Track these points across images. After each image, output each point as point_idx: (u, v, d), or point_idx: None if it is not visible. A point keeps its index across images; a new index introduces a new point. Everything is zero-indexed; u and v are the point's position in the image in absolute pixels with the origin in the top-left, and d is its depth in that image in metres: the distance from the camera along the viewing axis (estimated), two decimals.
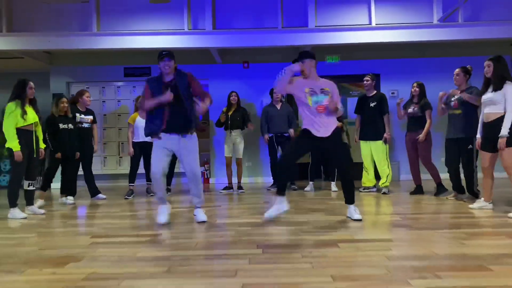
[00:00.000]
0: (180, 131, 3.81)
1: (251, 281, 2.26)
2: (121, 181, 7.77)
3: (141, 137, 6.03)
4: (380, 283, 2.19)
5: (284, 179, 4.02)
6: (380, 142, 5.79)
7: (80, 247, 3.13)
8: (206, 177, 8.05)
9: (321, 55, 7.75)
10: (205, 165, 8.05)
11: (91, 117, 5.89)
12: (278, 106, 6.56)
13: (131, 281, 2.30)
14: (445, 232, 3.35)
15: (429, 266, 2.46)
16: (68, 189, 5.57)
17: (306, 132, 3.89)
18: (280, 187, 3.97)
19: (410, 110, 5.57)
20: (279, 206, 3.93)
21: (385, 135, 5.76)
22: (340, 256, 2.72)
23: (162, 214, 3.92)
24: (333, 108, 3.81)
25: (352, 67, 7.85)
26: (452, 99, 4.96)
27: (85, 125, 5.80)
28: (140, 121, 6.07)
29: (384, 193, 5.73)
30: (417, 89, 5.59)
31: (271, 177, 6.76)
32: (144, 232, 3.61)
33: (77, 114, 5.69)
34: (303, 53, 4.09)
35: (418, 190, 5.66)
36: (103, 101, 7.98)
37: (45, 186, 5.43)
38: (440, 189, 5.42)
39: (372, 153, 5.89)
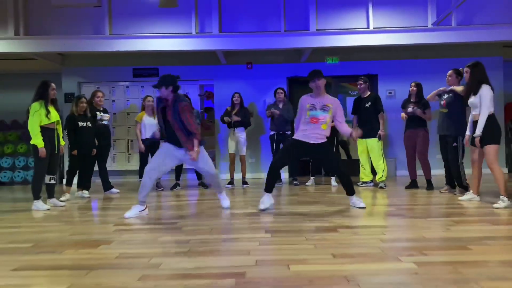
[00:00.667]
0: (179, 146, 4.18)
1: (263, 258, 2.62)
2: (130, 177, 8.12)
3: (148, 134, 6.40)
4: (375, 260, 2.55)
5: (272, 180, 4.42)
6: (375, 139, 6.15)
7: (107, 233, 3.49)
8: None
9: (321, 57, 8.12)
10: None
11: (109, 115, 6.25)
12: (280, 106, 6.91)
13: (159, 258, 2.66)
14: (434, 220, 3.72)
15: (417, 246, 2.83)
16: (84, 184, 5.93)
17: (297, 141, 4.37)
18: (268, 186, 4.40)
19: (409, 109, 5.92)
20: (266, 200, 4.38)
21: (379, 132, 6.12)
22: (339, 239, 3.08)
23: (132, 211, 4.15)
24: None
25: (351, 68, 8.19)
26: (443, 98, 5.32)
27: (105, 122, 6.16)
28: (147, 119, 6.44)
29: (381, 187, 6.10)
30: (414, 88, 5.95)
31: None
32: (161, 222, 3.97)
33: (97, 113, 6.05)
34: (316, 73, 4.43)
35: (413, 184, 6.02)
36: (112, 101, 8.32)
37: (70, 181, 5.78)
38: (429, 185, 5.81)
39: (368, 150, 6.26)
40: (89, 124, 5.79)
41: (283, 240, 3.07)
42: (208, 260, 2.61)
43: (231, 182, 6.84)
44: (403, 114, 6.01)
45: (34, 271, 2.50)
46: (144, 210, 4.22)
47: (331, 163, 4.53)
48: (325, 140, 4.37)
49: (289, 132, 6.80)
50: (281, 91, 6.87)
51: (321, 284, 2.12)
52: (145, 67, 8.29)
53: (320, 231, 3.32)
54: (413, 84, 6.02)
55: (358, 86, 6.30)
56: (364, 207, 4.32)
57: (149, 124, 6.41)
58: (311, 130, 4.29)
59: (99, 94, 6.24)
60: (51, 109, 4.97)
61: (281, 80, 8.19)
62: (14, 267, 2.55)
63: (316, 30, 6.85)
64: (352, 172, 8.19)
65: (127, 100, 8.43)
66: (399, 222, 3.68)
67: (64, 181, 5.83)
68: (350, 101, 8.69)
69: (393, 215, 4.01)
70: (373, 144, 6.18)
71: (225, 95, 7.49)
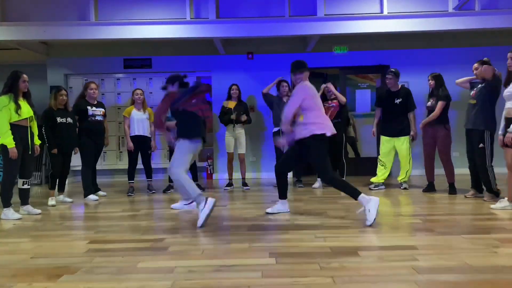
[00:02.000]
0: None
1: None
2: (121, 177, 7.51)
3: (137, 130, 5.77)
4: None
5: (282, 185, 4.18)
6: (404, 139, 5.59)
7: (76, 255, 2.87)
8: (209, 172, 7.78)
9: (328, 46, 7.46)
10: (208, 160, 7.78)
11: (103, 110, 5.61)
12: (285, 100, 6.26)
13: None
14: (473, 238, 3.08)
15: (464, 280, 2.20)
16: (63, 186, 5.31)
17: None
18: (280, 192, 4.19)
19: (428, 104, 5.30)
20: (281, 207, 4.19)
21: (412, 133, 5.56)
22: (362, 267, 2.45)
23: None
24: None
25: (361, 58, 7.55)
26: (475, 88, 4.71)
27: (98, 117, 5.52)
28: (136, 114, 5.80)
29: (404, 188, 5.61)
30: (431, 82, 5.32)
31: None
32: (146, 237, 3.35)
33: (89, 107, 5.42)
34: (298, 65, 4.11)
35: (430, 187, 5.41)
36: (102, 94, 7.68)
37: (53, 185, 5.17)
38: (451, 189, 5.18)
39: (396, 149, 5.67)
40: (69, 120, 5.15)
41: (292, 269, 2.44)
42: None
43: (230, 184, 6.22)
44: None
45: None
46: (190, 203, 4.35)
47: (314, 165, 4.02)
48: (306, 132, 3.84)
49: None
50: (286, 84, 6.23)
51: None
52: (137, 57, 7.65)
53: (337, 255, 2.69)
54: (429, 77, 5.38)
55: (387, 81, 5.65)
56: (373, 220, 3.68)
57: (138, 119, 5.78)
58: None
59: (93, 85, 5.56)
60: (23, 103, 4.34)
61: (285, 72, 7.48)
62: None
63: (325, 15, 6.18)
64: (360, 171, 7.65)
65: (118, 94, 7.79)
66: (431, 240, 3.04)
67: (49, 185, 5.21)
68: (359, 94, 8.06)
69: (421, 229, 3.37)
70: (403, 144, 5.60)
71: (224, 88, 6.82)
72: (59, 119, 5.04)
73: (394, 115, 5.58)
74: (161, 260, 2.69)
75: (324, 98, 5.94)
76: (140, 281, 2.30)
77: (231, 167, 6.25)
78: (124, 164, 7.50)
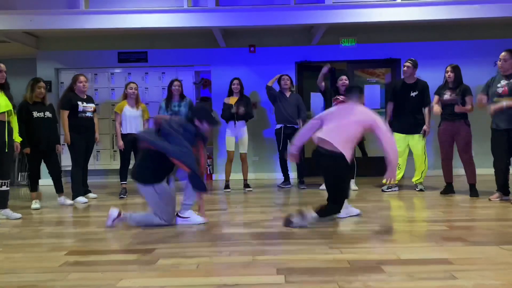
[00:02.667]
0: None
1: None
2: (115, 177, 7.06)
3: (129, 128, 5.32)
4: None
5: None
6: (419, 136, 5.16)
7: (48, 269, 2.44)
8: (208, 173, 7.34)
9: (335, 38, 7.02)
10: (208, 160, 7.34)
11: (93, 105, 5.18)
12: (287, 94, 5.84)
13: None
14: None
15: None
16: (59, 186, 4.87)
17: None
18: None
19: (446, 96, 4.85)
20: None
21: (424, 127, 5.11)
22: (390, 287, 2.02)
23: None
24: None
25: (369, 51, 7.09)
26: (499, 85, 4.25)
27: (88, 114, 5.08)
28: (129, 111, 5.35)
29: (420, 190, 5.18)
30: (451, 74, 4.86)
31: (281, 173, 6.03)
32: (133, 247, 2.91)
33: (79, 103, 4.99)
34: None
35: (449, 189, 4.96)
36: (95, 89, 7.23)
37: (34, 186, 4.73)
38: (473, 192, 4.73)
39: (410, 147, 5.24)
40: (48, 114, 4.70)
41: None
42: None
43: (227, 186, 5.76)
44: (436, 107, 4.92)
45: None
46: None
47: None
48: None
49: (298, 126, 5.70)
50: (287, 77, 5.80)
51: None
52: (132, 50, 7.20)
53: (356, 271, 2.25)
54: (448, 68, 4.92)
55: (405, 69, 5.21)
56: (360, 213, 3.66)
57: (131, 116, 5.33)
58: None
59: (82, 78, 5.11)
60: (0, 96, 3.91)
61: (289, 66, 7.08)
62: None
63: (333, 3, 5.72)
64: (370, 172, 7.19)
65: (112, 89, 7.34)
66: (465, 252, 2.59)
67: (29, 187, 4.77)
68: (368, 89, 7.60)
69: (451, 238, 2.92)
70: (418, 142, 5.18)
71: (224, 83, 6.38)
72: (35, 114, 4.59)
73: (408, 110, 5.15)
74: (147, 277, 2.25)
75: (336, 92, 5.48)
76: None
77: (230, 168, 5.80)
78: (117, 163, 7.04)
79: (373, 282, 2.08)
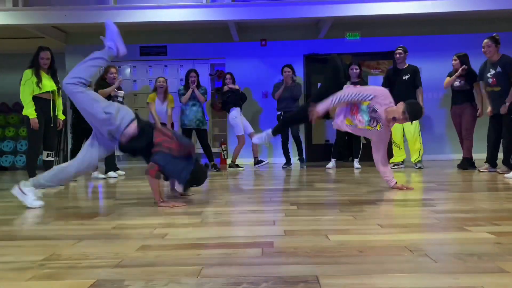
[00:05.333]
0: None
1: (293, 228, 2.11)
2: (137, 162, 7.64)
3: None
4: (435, 229, 2.02)
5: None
6: None
7: (105, 207, 3.01)
8: (223, 158, 7.90)
9: (341, 32, 7.57)
10: (222, 146, 7.91)
11: (123, 92, 5.74)
12: (289, 83, 6.41)
13: (164, 229, 2.16)
14: (486, 194, 3.17)
15: (482, 217, 2.29)
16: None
17: None
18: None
19: (456, 83, 5.38)
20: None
21: None
22: (381, 210, 2.56)
23: None
24: None
25: (373, 44, 7.62)
26: (489, 75, 4.77)
27: (120, 99, 5.66)
28: (158, 105, 5.99)
29: (419, 167, 5.61)
30: (456, 61, 5.41)
31: (283, 156, 6.56)
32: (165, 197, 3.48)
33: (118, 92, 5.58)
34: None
35: (467, 163, 5.34)
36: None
37: None
38: (464, 163, 5.25)
39: (404, 129, 5.72)
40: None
41: (314, 212, 2.55)
42: (225, 230, 2.11)
43: (232, 166, 6.40)
44: (446, 81, 5.47)
45: (8, 241, 2.01)
46: None
47: None
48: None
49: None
50: (288, 69, 6.34)
51: (376, 254, 1.60)
52: (152, 45, 7.81)
53: (355, 204, 2.80)
54: (455, 57, 5.48)
55: (397, 56, 5.73)
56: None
57: (158, 110, 5.95)
58: None
59: (113, 69, 5.65)
60: (45, 77, 4.52)
61: (298, 58, 7.64)
62: None
63: None
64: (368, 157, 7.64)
65: (134, 81, 7.96)
66: (447, 195, 3.13)
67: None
68: (372, 80, 8.12)
69: (437, 189, 3.46)
70: (410, 124, 5.62)
71: (237, 75, 6.95)
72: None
73: (401, 92, 5.58)
74: (188, 208, 2.80)
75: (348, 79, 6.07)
76: (171, 219, 2.42)
77: (239, 151, 6.43)
78: None
79: (367, 208, 2.63)
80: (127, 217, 2.52)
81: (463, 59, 5.39)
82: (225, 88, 6.38)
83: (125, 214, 2.64)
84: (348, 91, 3.30)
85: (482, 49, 4.81)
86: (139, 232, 2.11)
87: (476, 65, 5.31)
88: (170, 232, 2.07)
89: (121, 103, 5.69)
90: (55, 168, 2.96)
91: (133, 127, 2.84)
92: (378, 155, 3.47)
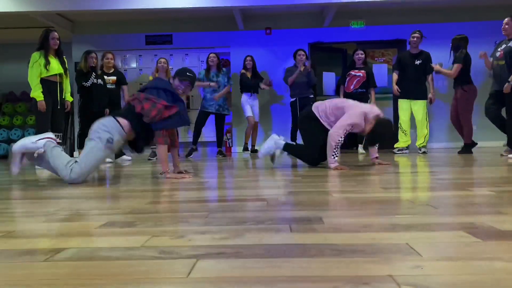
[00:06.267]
0: None
1: (297, 190, 2.15)
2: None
3: None
4: (436, 189, 2.06)
5: None
6: (422, 102, 5.66)
7: (112, 177, 3.06)
8: (228, 146, 7.96)
9: (345, 20, 7.58)
10: (227, 134, 7.96)
11: (114, 78, 5.78)
12: (302, 69, 6.40)
13: (172, 192, 2.22)
14: (487, 167, 3.20)
15: (483, 182, 2.32)
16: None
17: None
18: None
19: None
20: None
21: (429, 95, 5.66)
22: (385, 178, 2.60)
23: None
24: None
25: (377, 33, 7.63)
26: (499, 49, 4.79)
27: (108, 86, 5.72)
28: None
29: (424, 152, 5.61)
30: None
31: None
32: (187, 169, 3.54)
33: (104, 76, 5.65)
34: None
35: (466, 149, 5.36)
36: (124, 70, 7.92)
37: (81, 144, 5.38)
38: (466, 149, 5.26)
39: (413, 113, 5.72)
40: (99, 81, 5.34)
41: (316, 179, 2.60)
42: (231, 191, 2.16)
43: (246, 148, 6.46)
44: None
45: (29, 199, 2.08)
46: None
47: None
48: None
49: (312, 96, 6.32)
50: (303, 53, 6.34)
51: (379, 204, 1.64)
52: (158, 33, 7.87)
53: (358, 175, 2.84)
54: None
55: (414, 39, 5.71)
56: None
57: None
58: None
59: (109, 55, 5.77)
60: (53, 60, 4.59)
61: (302, 47, 7.58)
62: None
63: None
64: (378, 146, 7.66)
65: (140, 70, 8.02)
66: (450, 169, 3.16)
67: (77, 144, 5.40)
68: (376, 68, 8.13)
69: (441, 165, 3.49)
70: (420, 107, 5.66)
71: (242, 64, 7.01)
72: (92, 79, 5.23)
73: (413, 76, 5.64)
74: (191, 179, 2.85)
75: (352, 66, 6.10)
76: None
77: (250, 132, 6.49)
78: None
79: (372, 177, 2.67)
80: (136, 185, 2.58)
81: (454, 41, 5.46)
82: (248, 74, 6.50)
83: (133, 182, 2.70)
84: (336, 137, 3.39)
85: (502, 28, 4.79)
86: (149, 194, 2.16)
87: (471, 53, 5.38)
88: (178, 194, 2.12)
89: (112, 89, 5.63)
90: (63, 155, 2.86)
91: (125, 123, 2.87)
92: None
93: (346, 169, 3.32)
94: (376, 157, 3.77)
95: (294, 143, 3.82)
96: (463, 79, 5.36)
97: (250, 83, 6.45)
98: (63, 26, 7.60)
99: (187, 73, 3.08)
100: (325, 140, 3.49)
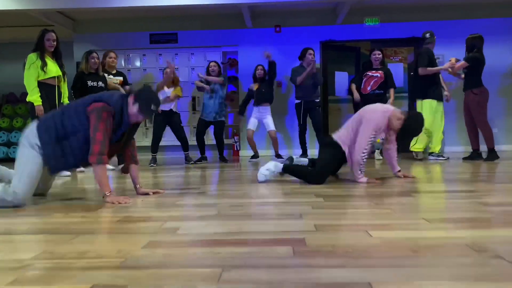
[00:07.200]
0: None
1: (323, 222, 1.81)
2: (147, 154, 7.40)
3: (166, 106, 5.63)
4: (493, 224, 1.71)
5: None
6: (438, 102, 5.28)
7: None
8: (236, 149, 7.63)
9: (359, 17, 7.21)
10: (235, 137, 7.63)
11: (120, 79, 5.48)
12: (314, 70, 6.04)
13: (176, 222, 1.89)
14: None
15: None
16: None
17: None
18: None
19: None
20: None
21: (445, 93, 5.37)
22: (421, 203, 2.25)
23: None
24: None
25: (393, 30, 7.25)
26: None
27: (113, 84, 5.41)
28: (164, 92, 5.70)
29: (443, 158, 5.28)
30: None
31: (300, 148, 6.25)
32: (179, 186, 3.21)
33: (105, 75, 5.32)
34: None
35: (473, 155, 5.10)
36: (128, 70, 7.60)
37: None
38: (491, 156, 4.90)
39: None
40: (101, 84, 5.02)
41: (343, 205, 2.26)
42: (247, 225, 1.82)
43: (254, 156, 6.12)
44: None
45: (3, 235, 1.76)
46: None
47: None
48: None
49: (318, 100, 5.99)
50: (312, 52, 5.98)
51: (434, 254, 1.30)
52: (163, 32, 7.53)
53: (388, 196, 2.49)
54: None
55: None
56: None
57: (164, 92, 5.67)
58: None
59: (112, 54, 5.46)
60: (50, 62, 4.28)
61: (314, 45, 7.21)
62: None
63: None
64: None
65: (144, 69, 7.70)
66: (489, 186, 2.81)
67: None
68: (391, 68, 7.76)
69: (475, 180, 3.14)
70: (439, 108, 5.26)
71: (250, 63, 6.68)
72: (89, 83, 4.92)
73: (439, 78, 5.38)
74: (201, 199, 2.53)
75: (369, 66, 5.78)
76: (184, 212, 2.14)
77: (252, 142, 6.18)
78: (150, 141, 7.40)
79: (404, 200, 2.32)
80: (133, 209, 2.25)
81: (468, 41, 5.16)
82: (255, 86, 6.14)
83: (132, 205, 2.38)
84: (360, 151, 3.07)
85: None
86: (146, 226, 1.83)
87: (490, 50, 5.01)
88: (182, 226, 1.79)
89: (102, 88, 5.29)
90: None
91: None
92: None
93: (376, 182, 3.06)
94: (399, 170, 3.44)
95: (292, 165, 3.41)
96: (473, 82, 5.02)
97: (258, 96, 6.08)
98: (64, 24, 7.31)
99: (152, 107, 2.53)
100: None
